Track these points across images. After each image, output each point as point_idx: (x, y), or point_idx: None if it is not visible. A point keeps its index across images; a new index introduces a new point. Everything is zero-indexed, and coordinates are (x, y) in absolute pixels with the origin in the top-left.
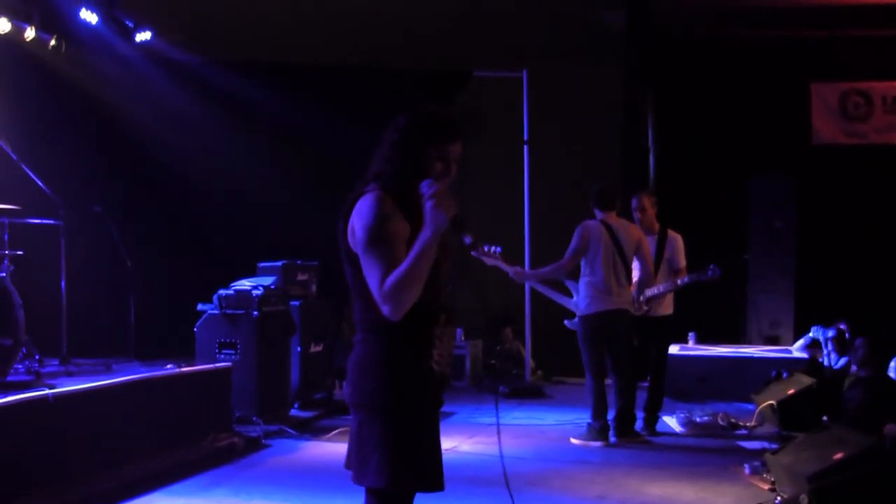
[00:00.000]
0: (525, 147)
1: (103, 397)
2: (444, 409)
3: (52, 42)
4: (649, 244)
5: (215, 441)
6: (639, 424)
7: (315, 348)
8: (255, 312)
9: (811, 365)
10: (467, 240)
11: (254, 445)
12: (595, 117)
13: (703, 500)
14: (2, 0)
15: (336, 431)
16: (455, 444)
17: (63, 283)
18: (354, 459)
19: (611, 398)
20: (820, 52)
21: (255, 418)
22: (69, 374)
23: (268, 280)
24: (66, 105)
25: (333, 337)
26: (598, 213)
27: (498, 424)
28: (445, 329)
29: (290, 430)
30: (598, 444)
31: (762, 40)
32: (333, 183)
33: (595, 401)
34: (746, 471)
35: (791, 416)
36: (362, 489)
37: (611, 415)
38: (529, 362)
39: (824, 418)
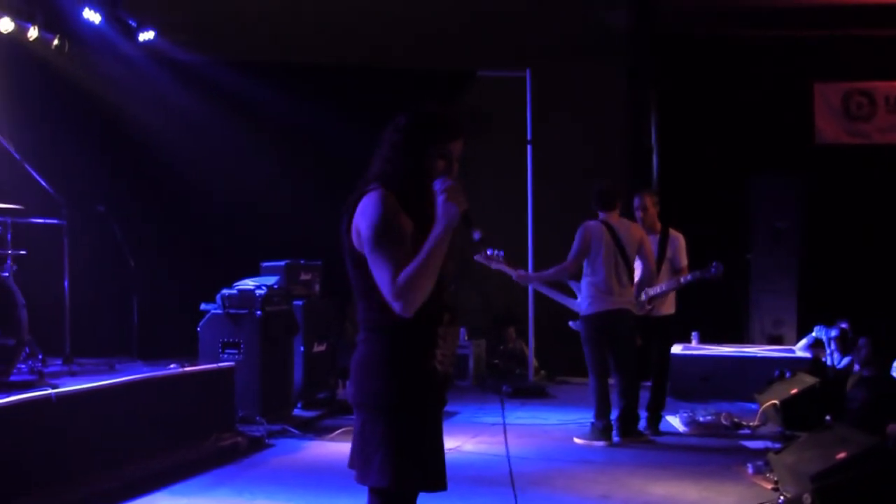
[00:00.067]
0: (528, 146)
1: (106, 397)
2: (448, 408)
3: (56, 42)
4: (651, 243)
5: (218, 441)
6: (642, 424)
7: (318, 348)
8: (259, 312)
9: (814, 364)
10: (477, 235)
11: (257, 445)
12: (598, 117)
13: (707, 499)
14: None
15: (339, 431)
16: (458, 444)
17: (66, 283)
18: (358, 459)
19: (614, 398)
20: (823, 52)
21: (258, 418)
22: (72, 374)
23: (271, 279)
24: (69, 105)
25: (337, 336)
26: (600, 213)
27: (504, 424)
28: (449, 329)
29: (293, 430)
30: (601, 443)
31: (765, 40)
32: (337, 183)
33: (598, 400)
34: (750, 470)
35: (794, 416)
36: (366, 489)
37: (614, 414)
38: (532, 362)
39: (827, 418)
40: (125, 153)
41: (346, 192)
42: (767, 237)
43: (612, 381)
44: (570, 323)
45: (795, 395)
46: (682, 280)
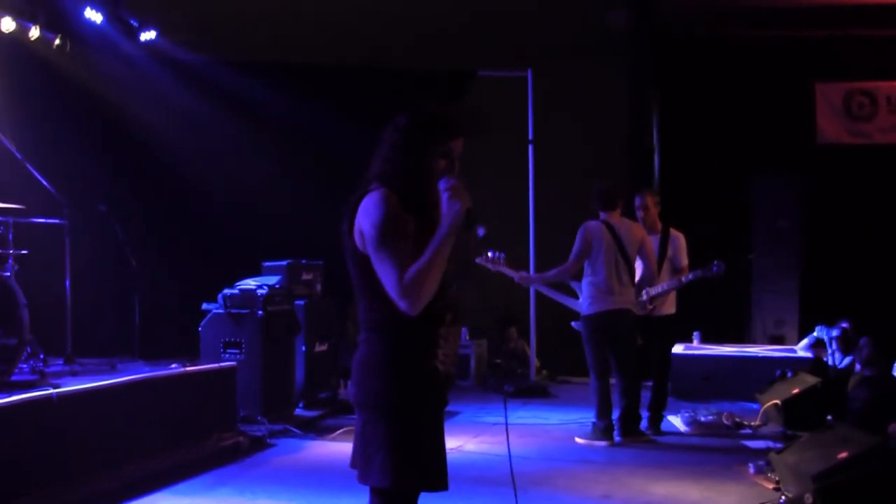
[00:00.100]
0: (530, 146)
1: (107, 397)
2: (449, 408)
3: (57, 41)
4: (652, 243)
5: (220, 440)
6: (643, 424)
7: (320, 348)
8: (260, 312)
9: (816, 364)
10: (481, 231)
11: (258, 445)
12: (600, 116)
13: (708, 499)
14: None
15: (341, 431)
16: (460, 444)
17: (67, 283)
18: (359, 459)
19: (615, 398)
20: (824, 52)
21: (259, 418)
22: (73, 374)
23: (273, 279)
24: (70, 104)
25: (338, 336)
26: (601, 213)
27: (507, 424)
28: (451, 329)
29: (294, 430)
30: (602, 443)
31: (766, 40)
32: (338, 183)
33: (599, 400)
34: (751, 470)
35: (795, 416)
36: (367, 488)
37: (615, 414)
38: (534, 362)
39: (829, 418)
40: (126, 153)
41: (347, 192)
42: (769, 237)
43: (613, 380)
44: (573, 323)
45: (797, 394)
46: (683, 279)
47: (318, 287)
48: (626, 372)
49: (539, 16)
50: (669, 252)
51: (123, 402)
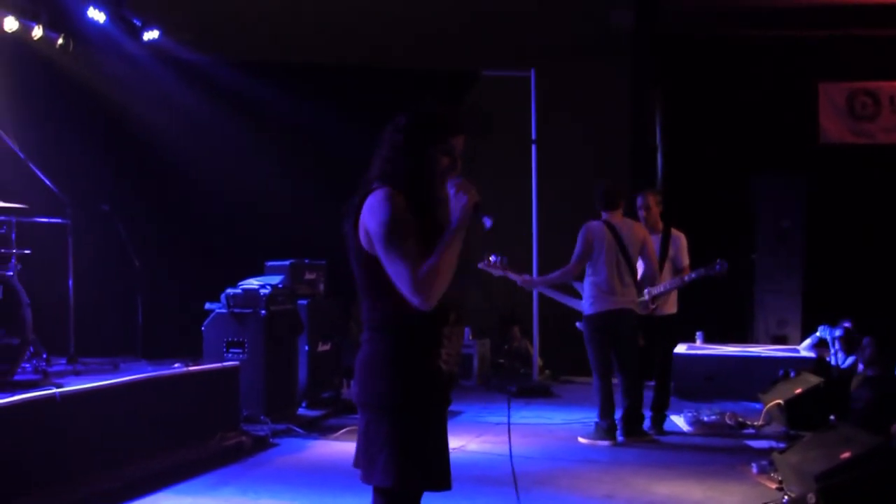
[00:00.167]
0: (533, 146)
1: (110, 397)
2: (452, 408)
3: (60, 41)
4: (653, 243)
5: (223, 440)
6: (646, 424)
7: (323, 347)
8: (263, 311)
9: (818, 364)
10: (488, 222)
11: (261, 444)
12: (603, 116)
13: (711, 499)
14: None
15: (344, 430)
16: (463, 444)
17: (70, 282)
18: (362, 458)
19: (618, 397)
20: (827, 52)
21: (262, 417)
22: (76, 374)
23: (275, 279)
24: (73, 104)
25: (341, 336)
26: (603, 213)
27: (509, 424)
28: (454, 328)
29: (297, 429)
30: (605, 443)
31: (769, 40)
32: (341, 182)
33: (602, 400)
34: (754, 470)
35: (798, 416)
36: (370, 488)
37: (618, 414)
38: (537, 361)
39: (832, 417)
40: (129, 152)
41: (349, 192)
42: (772, 237)
43: (615, 380)
44: (577, 324)
45: (800, 394)
46: (685, 278)
47: (321, 286)
48: (628, 372)
49: (542, 16)
50: (671, 252)
51: (126, 401)
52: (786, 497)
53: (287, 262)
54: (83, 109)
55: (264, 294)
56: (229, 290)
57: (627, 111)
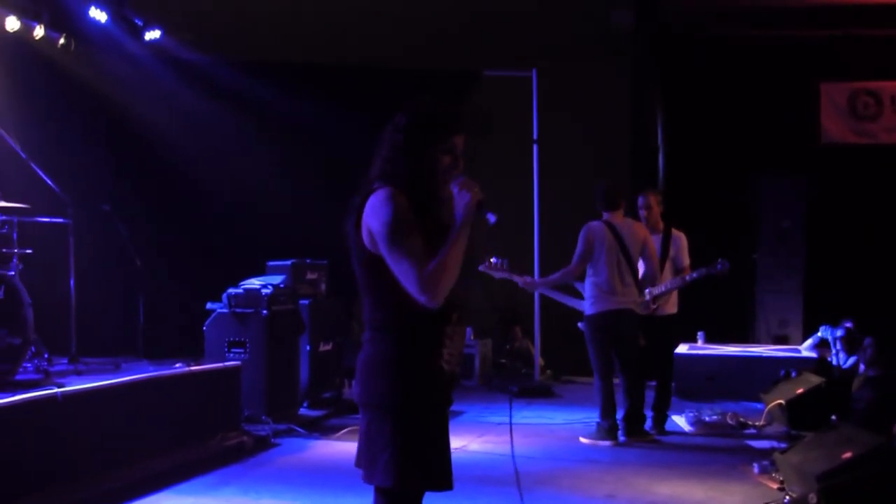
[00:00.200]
0: (535, 146)
1: (112, 396)
2: (454, 407)
3: (62, 41)
4: (654, 243)
5: (224, 440)
6: (648, 424)
7: (324, 347)
8: (265, 311)
9: (820, 364)
10: (492, 218)
11: (263, 444)
12: (604, 116)
13: (712, 499)
14: None
15: (345, 430)
16: (464, 444)
17: (72, 282)
18: (364, 458)
19: (619, 398)
20: (829, 52)
21: (263, 417)
22: (78, 373)
23: (277, 279)
24: (74, 104)
25: (343, 336)
26: (604, 214)
27: (511, 424)
28: (457, 328)
29: (299, 429)
30: (607, 443)
31: (771, 40)
32: (343, 182)
33: (603, 400)
34: (755, 470)
35: (800, 416)
36: (371, 488)
37: (620, 414)
38: (539, 361)
39: (833, 418)
40: (131, 152)
41: (351, 192)
42: (773, 237)
43: (617, 380)
44: (579, 324)
45: (801, 394)
46: (687, 277)
47: (323, 286)
48: (629, 372)
49: (543, 16)
50: (671, 252)
51: (128, 401)
52: (787, 497)
53: (289, 262)
54: (84, 109)
55: (266, 294)
56: (231, 290)
57: (628, 111)
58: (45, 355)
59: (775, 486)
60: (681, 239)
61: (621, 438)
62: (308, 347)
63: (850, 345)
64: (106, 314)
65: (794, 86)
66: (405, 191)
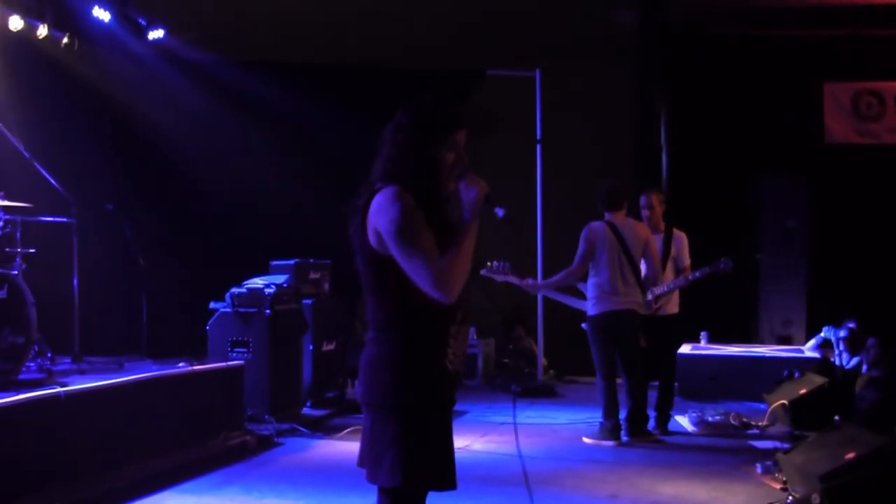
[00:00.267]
0: (538, 146)
1: (115, 396)
2: (457, 407)
3: (65, 40)
4: (657, 242)
5: (227, 439)
6: (651, 424)
7: (327, 347)
8: (268, 311)
9: (823, 365)
10: (500, 212)
11: (266, 444)
12: (608, 116)
13: (715, 499)
14: None
15: (348, 430)
16: (467, 443)
17: (75, 281)
18: (367, 458)
19: (622, 398)
20: (832, 52)
21: (267, 417)
22: (81, 373)
23: (280, 278)
24: (78, 103)
25: (346, 335)
26: (606, 214)
27: (515, 424)
28: (461, 327)
29: (302, 429)
30: (610, 443)
31: (775, 40)
32: (344, 182)
33: (606, 400)
34: (758, 470)
35: (803, 416)
36: (374, 487)
37: (623, 414)
38: (542, 361)
39: (836, 418)
40: (134, 152)
41: (352, 193)
42: (777, 237)
43: (620, 381)
44: (583, 325)
45: (804, 395)
46: (690, 276)
47: (326, 286)
48: (632, 372)
49: (546, 16)
50: (673, 251)
51: (131, 401)
52: (790, 497)
53: (292, 262)
54: (88, 109)
55: (269, 293)
56: (234, 290)
57: (632, 111)
58: (49, 354)
59: (778, 486)
60: (682, 239)
61: (624, 438)
62: (311, 347)
63: (854, 345)
64: (109, 313)
65: (797, 86)
66: (410, 189)
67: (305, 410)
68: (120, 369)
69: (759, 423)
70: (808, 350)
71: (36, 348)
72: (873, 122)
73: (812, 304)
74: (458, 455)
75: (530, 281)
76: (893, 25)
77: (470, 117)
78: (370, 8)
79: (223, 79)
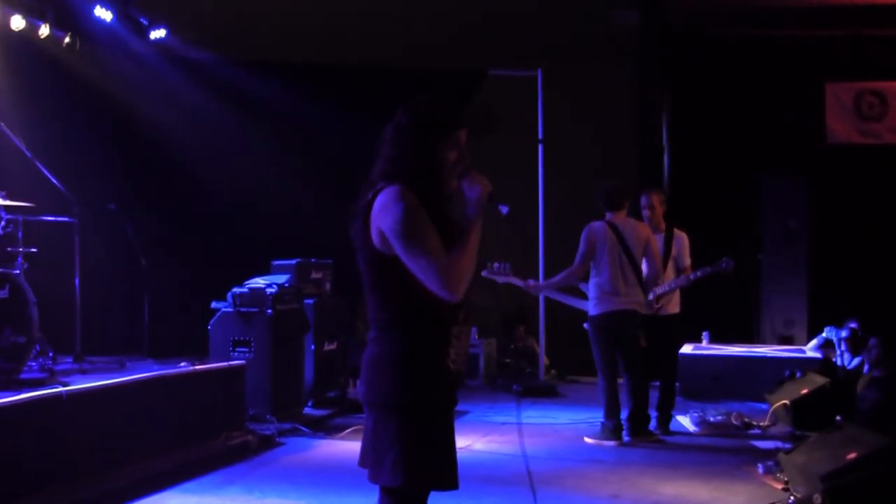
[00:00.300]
0: (540, 146)
1: (116, 395)
2: (458, 407)
3: (67, 39)
4: (657, 242)
5: (229, 439)
6: (652, 424)
7: (329, 346)
8: (269, 310)
9: (824, 365)
10: (504, 209)
11: (267, 443)
12: (609, 116)
13: (717, 499)
14: None
15: (349, 430)
16: (469, 443)
17: (77, 281)
18: (369, 458)
19: (624, 398)
20: (834, 52)
21: (268, 416)
22: (83, 372)
23: (282, 278)
24: (80, 102)
25: (347, 335)
26: (607, 214)
27: (519, 424)
28: (463, 327)
29: (303, 429)
30: (611, 443)
31: (776, 40)
32: (344, 182)
33: (608, 400)
34: (760, 470)
35: (804, 416)
36: (376, 487)
37: (624, 414)
38: (543, 360)
39: (838, 418)
40: (136, 151)
41: (353, 192)
42: (778, 237)
43: (621, 381)
44: (585, 325)
45: (806, 395)
46: (691, 276)
47: (328, 286)
48: (633, 372)
49: (548, 16)
50: (674, 251)
51: (132, 400)
52: (792, 497)
53: (293, 262)
54: (90, 108)
55: (271, 293)
56: (236, 289)
57: (633, 111)
58: (50, 354)
59: (780, 486)
60: (682, 239)
61: (626, 438)
62: (313, 347)
63: (855, 345)
64: (111, 313)
65: (798, 86)
66: (414, 188)
67: (307, 410)
68: (121, 369)
69: (761, 423)
70: (810, 350)
71: (37, 348)
72: (875, 123)
73: (813, 304)
74: (459, 455)
75: (531, 282)
76: (895, 25)
77: (471, 116)
78: (370, 8)
79: (224, 79)
